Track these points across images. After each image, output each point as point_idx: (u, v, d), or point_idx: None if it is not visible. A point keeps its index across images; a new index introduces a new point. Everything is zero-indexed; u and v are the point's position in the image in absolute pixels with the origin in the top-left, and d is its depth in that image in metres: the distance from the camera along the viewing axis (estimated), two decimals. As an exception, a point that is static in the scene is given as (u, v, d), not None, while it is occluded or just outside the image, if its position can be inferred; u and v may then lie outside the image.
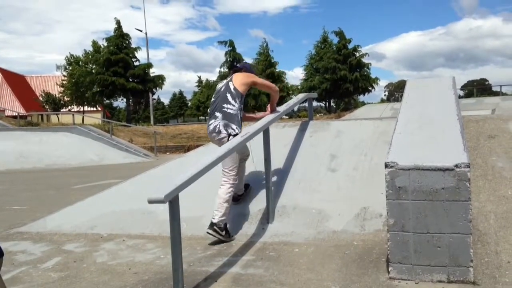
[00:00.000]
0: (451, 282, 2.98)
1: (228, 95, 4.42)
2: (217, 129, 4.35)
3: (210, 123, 4.45)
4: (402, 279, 3.08)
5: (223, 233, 4.24)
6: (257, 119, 4.76)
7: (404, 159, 3.09)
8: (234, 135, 4.26)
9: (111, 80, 36.88)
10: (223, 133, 4.32)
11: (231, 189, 4.31)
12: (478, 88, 44.00)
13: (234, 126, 4.33)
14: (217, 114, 4.40)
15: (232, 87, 4.46)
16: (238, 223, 4.58)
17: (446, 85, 4.76)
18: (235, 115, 4.37)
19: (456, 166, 2.95)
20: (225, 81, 4.61)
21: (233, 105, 4.38)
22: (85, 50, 41.77)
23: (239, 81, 4.49)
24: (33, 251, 4.41)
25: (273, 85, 4.85)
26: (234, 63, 45.67)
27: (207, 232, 4.21)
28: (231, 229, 4.43)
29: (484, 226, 3.63)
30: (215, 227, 4.20)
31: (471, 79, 74.19)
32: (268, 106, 4.99)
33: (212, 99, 4.60)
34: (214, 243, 4.22)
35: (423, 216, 3.02)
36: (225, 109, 4.37)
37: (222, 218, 4.23)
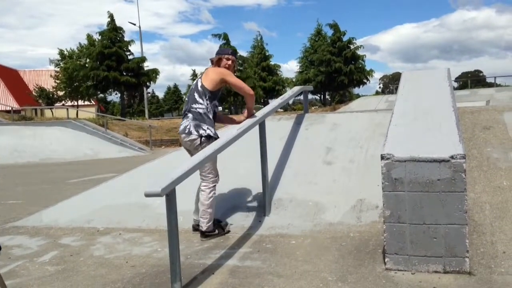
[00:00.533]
0: (447, 273, 3.00)
1: (196, 94, 4.19)
2: (187, 129, 4.14)
3: (182, 123, 4.27)
4: (399, 269, 3.10)
5: (216, 232, 4.22)
6: (236, 123, 4.43)
7: (400, 151, 3.10)
8: (206, 136, 4.09)
9: (105, 74, 36.71)
10: (194, 134, 4.11)
11: (212, 192, 4.16)
12: (472, 80, 44.17)
13: (205, 127, 4.12)
14: (189, 114, 4.19)
15: (199, 85, 4.22)
16: (234, 215, 4.59)
17: (441, 77, 4.77)
18: (205, 114, 4.15)
19: (452, 157, 2.96)
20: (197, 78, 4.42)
21: (201, 104, 4.15)
22: (80, 43, 41.56)
23: (208, 77, 4.22)
24: (30, 245, 4.40)
25: (246, 87, 4.27)
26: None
27: (202, 240, 4.16)
28: (227, 222, 4.44)
29: (480, 216, 3.65)
30: (206, 233, 4.18)
31: (465, 71, 74.40)
32: (245, 111, 4.48)
33: (186, 98, 4.41)
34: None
35: (419, 207, 3.04)
36: (194, 109, 4.15)
37: (210, 224, 4.17)
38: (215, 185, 4.22)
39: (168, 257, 3.02)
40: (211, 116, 4.19)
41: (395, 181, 3.07)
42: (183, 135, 4.19)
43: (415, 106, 4.00)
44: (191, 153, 4.16)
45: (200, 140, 4.09)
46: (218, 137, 4.05)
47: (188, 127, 4.13)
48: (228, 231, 4.32)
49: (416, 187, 3.03)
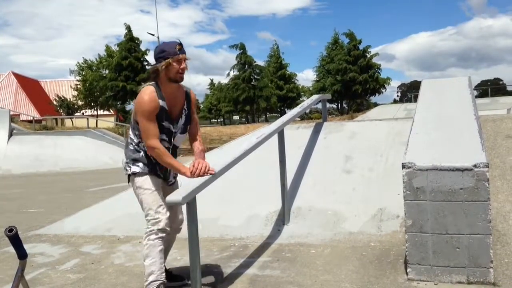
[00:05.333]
0: (471, 283, 2.95)
1: (131, 125, 3.21)
2: (122, 164, 3.26)
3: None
4: (421, 280, 3.06)
5: None
6: (183, 174, 3.14)
7: (421, 160, 3.07)
8: (131, 173, 3.14)
9: (122, 85, 37.24)
10: (124, 171, 3.21)
11: (148, 238, 3.03)
12: (492, 88, 43.50)
13: (130, 164, 3.15)
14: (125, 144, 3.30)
15: (133, 114, 3.17)
16: (253, 224, 4.59)
17: (462, 85, 4.72)
18: (133, 152, 3.16)
19: (475, 166, 2.92)
20: None
21: (132, 140, 3.18)
22: (99, 54, 42.30)
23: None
24: (51, 253, 4.46)
25: (148, 142, 3.01)
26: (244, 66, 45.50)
27: None
28: (245, 230, 4.43)
29: (503, 226, 3.59)
30: None
31: (484, 79, 73.53)
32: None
33: None
34: None
35: (442, 216, 3.00)
36: (127, 142, 3.25)
37: (148, 282, 3.01)
38: (156, 231, 3.02)
39: (187, 265, 3.02)
40: (140, 155, 3.15)
41: (416, 190, 3.04)
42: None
43: (436, 115, 3.97)
44: None
45: (128, 179, 3.21)
46: (148, 173, 3.13)
47: (123, 162, 3.25)
48: None
49: (439, 196, 2.99)
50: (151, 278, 3.01)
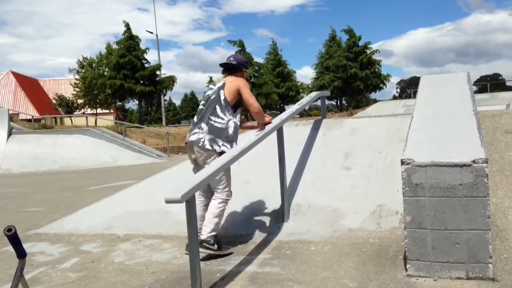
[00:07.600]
0: (470, 279, 2.95)
1: (217, 107, 4.00)
2: (201, 142, 3.90)
3: (193, 132, 4.00)
4: (420, 276, 3.06)
5: (215, 247, 3.85)
6: (256, 128, 4.30)
7: (420, 156, 3.07)
8: (220, 152, 3.85)
9: (121, 83, 37.18)
10: (208, 148, 3.89)
11: (222, 204, 3.92)
12: (491, 83, 43.48)
13: (220, 142, 3.90)
14: (203, 125, 3.97)
15: (222, 98, 4.02)
16: (253, 222, 4.59)
17: (461, 81, 4.73)
18: (224, 129, 3.95)
19: (474, 161, 2.92)
20: (217, 86, 4.14)
21: (222, 119, 3.96)
22: (100, 52, 42.14)
23: (229, 89, 4.03)
24: (51, 252, 4.46)
25: (255, 104, 4.05)
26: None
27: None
28: (245, 227, 4.44)
29: (502, 222, 3.59)
30: (204, 243, 3.76)
31: (483, 74, 73.38)
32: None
33: (200, 106, 4.19)
34: (206, 259, 3.78)
35: (441, 212, 3.00)
36: (212, 122, 3.96)
37: (211, 234, 3.82)
38: (227, 200, 3.98)
39: (187, 264, 3.03)
40: (230, 132, 3.96)
41: (415, 186, 3.04)
42: (196, 148, 3.95)
43: (435, 110, 3.97)
44: (199, 165, 3.98)
45: (216, 156, 3.87)
46: None
47: (203, 140, 3.90)
48: (229, 253, 3.95)
49: (438, 192, 2.99)
50: (214, 232, 3.85)
